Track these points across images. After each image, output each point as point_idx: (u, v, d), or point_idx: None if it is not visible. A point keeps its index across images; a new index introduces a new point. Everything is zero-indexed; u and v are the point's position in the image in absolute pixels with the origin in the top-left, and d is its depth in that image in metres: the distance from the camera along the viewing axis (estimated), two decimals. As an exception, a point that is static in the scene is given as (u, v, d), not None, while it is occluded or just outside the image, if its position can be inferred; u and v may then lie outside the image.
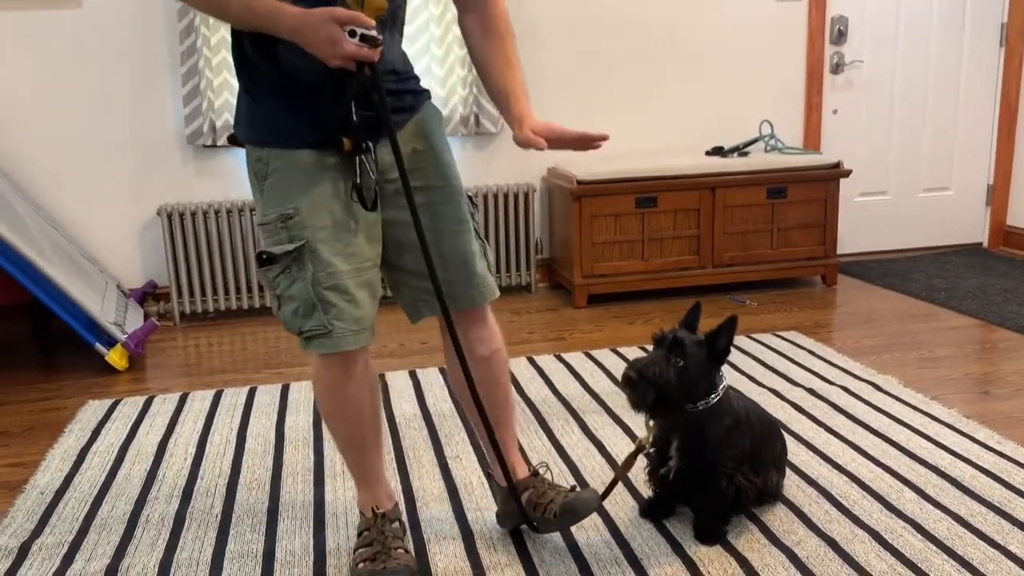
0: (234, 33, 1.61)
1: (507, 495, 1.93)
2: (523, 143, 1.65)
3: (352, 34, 1.42)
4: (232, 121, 3.70)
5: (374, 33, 1.44)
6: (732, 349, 1.86)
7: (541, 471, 1.95)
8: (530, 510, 1.85)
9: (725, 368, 3.01)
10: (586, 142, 1.65)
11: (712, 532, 1.91)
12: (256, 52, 1.59)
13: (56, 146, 3.69)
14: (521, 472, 1.92)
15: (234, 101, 3.70)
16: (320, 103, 1.59)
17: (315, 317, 1.63)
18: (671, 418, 1.87)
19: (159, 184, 3.81)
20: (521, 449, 2.07)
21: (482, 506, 2.11)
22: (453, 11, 3.86)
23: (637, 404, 1.80)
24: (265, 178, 1.63)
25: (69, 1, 3.58)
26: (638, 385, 1.77)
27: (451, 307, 1.76)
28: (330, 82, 1.57)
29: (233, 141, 1.73)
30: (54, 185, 3.72)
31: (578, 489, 1.85)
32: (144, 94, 3.72)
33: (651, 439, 1.91)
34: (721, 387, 1.87)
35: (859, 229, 4.68)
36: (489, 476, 2.02)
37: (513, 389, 2.04)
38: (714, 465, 1.87)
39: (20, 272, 3.03)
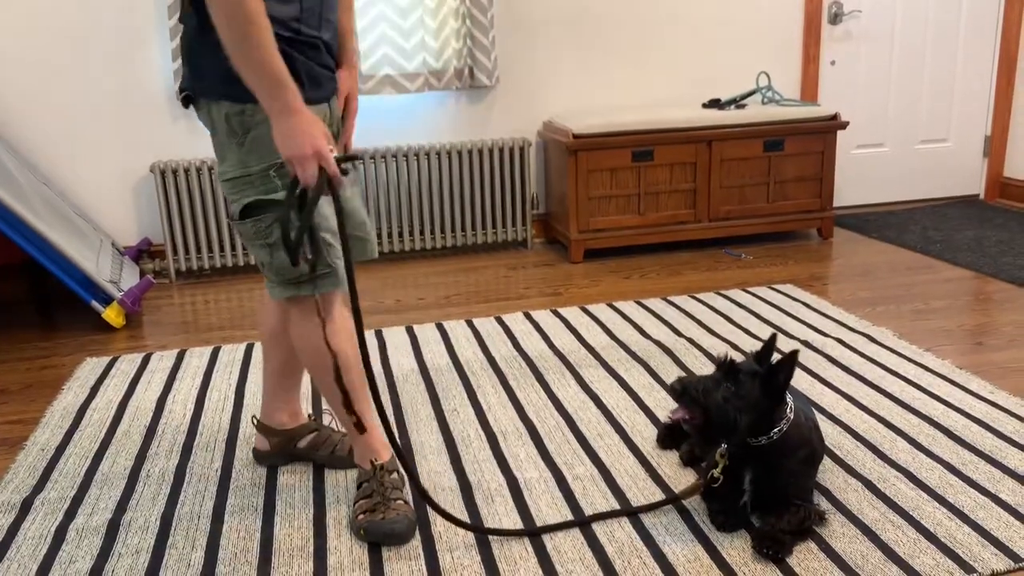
0: None
1: (286, 436, 2.10)
2: (339, 88, 1.84)
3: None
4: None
5: (350, 166, 1.61)
6: (778, 363, 1.72)
7: (326, 420, 2.21)
8: (314, 451, 2.10)
9: (719, 320, 3.02)
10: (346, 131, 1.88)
11: (776, 554, 1.71)
12: None
13: (47, 104, 3.65)
14: (303, 419, 2.13)
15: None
16: (305, 57, 1.62)
17: (319, 258, 1.67)
18: (714, 444, 1.78)
19: (151, 141, 3.78)
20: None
21: (479, 458, 2.13)
22: (446, -38, 3.80)
23: (685, 424, 1.74)
24: (247, 131, 1.62)
25: (54, -47, 3.51)
26: (681, 399, 1.72)
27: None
28: (316, 37, 1.62)
29: (190, 101, 1.68)
30: (47, 143, 3.69)
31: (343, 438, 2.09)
32: (133, 50, 3.67)
33: (719, 472, 1.79)
34: (784, 420, 1.75)
35: (856, 182, 4.67)
36: (259, 423, 2.12)
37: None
38: (790, 498, 1.77)
39: (14, 231, 3.02)
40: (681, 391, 1.73)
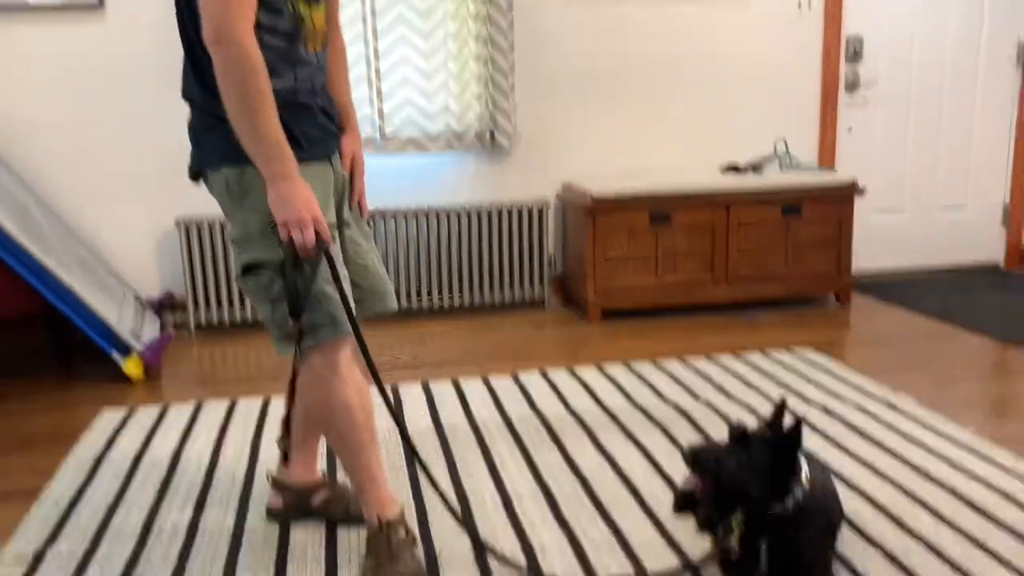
0: (195, 59, 1.67)
1: (299, 492, 2.11)
2: (343, 152, 1.93)
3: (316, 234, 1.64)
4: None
5: (326, 246, 1.66)
6: (788, 431, 1.71)
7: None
8: (327, 509, 2.09)
9: (737, 383, 3.00)
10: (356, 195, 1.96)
11: None
12: None
13: (77, 156, 3.74)
14: (318, 475, 2.15)
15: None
16: (301, 122, 1.71)
17: (316, 310, 1.70)
18: (728, 513, 1.75)
19: (177, 196, 3.84)
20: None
21: (494, 520, 2.11)
22: (470, 28, 3.89)
23: (698, 493, 1.73)
24: (247, 193, 1.68)
25: (92, 13, 3.63)
26: (693, 468, 1.71)
27: (366, 314, 1.96)
28: (301, 100, 1.72)
29: (196, 175, 1.76)
30: (75, 195, 3.76)
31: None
32: (164, 105, 3.76)
33: (736, 543, 1.75)
34: (799, 489, 1.72)
35: (874, 247, 4.67)
36: (274, 480, 2.12)
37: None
38: (808, 569, 1.74)
39: (39, 281, 3.06)
40: (693, 459, 1.72)
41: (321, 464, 2.44)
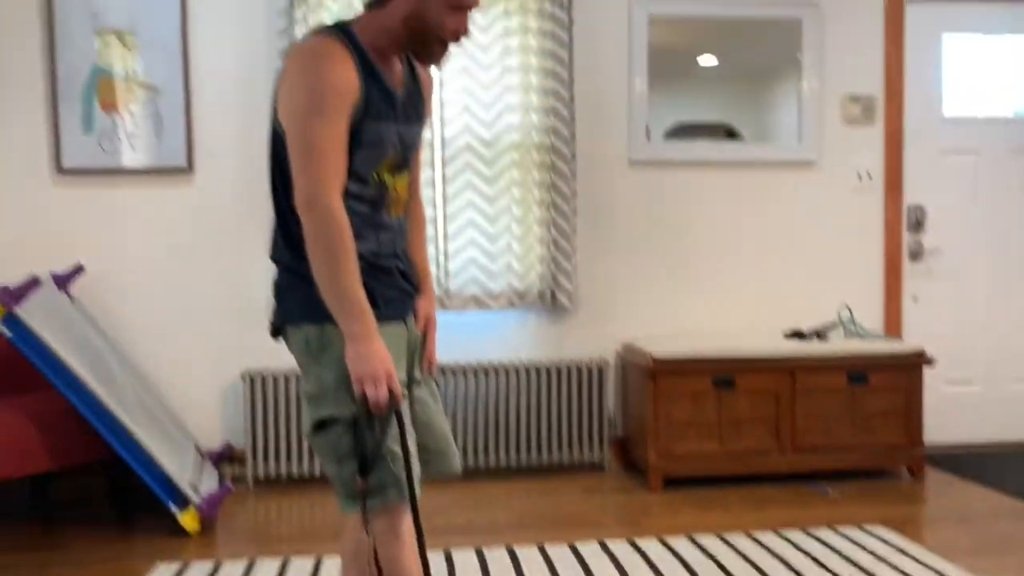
0: (285, 222, 1.76)
1: None
2: (417, 316, 1.96)
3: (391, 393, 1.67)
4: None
5: (398, 404, 1.68)
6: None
7: None
8: None
9: (808, 563, 2.85)
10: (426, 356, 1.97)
11: None
12: None
13: (155, 307, 3.89)
14: None
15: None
16: (380, 283, 1.77)
17: (384, 469, 1.70)
18: None
19: (245, 348, 3.95)
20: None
21: None
22: (534, 194, 4.04)
23: None
24: (325, 349, 1.72)
25: (182, 176, 3.87)
26: None
27: (431, 475, 1.93)
28: (383, 263, 1.79)
29: (276, 332, 1.82)
30: (149, 345, 3.89)
31: None
32: (239, 262, 3.93)
33: None
34: None
35: (947, 419, 4.51)
36: None
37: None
38: None
39: (107, 429, 3.13)
40: None
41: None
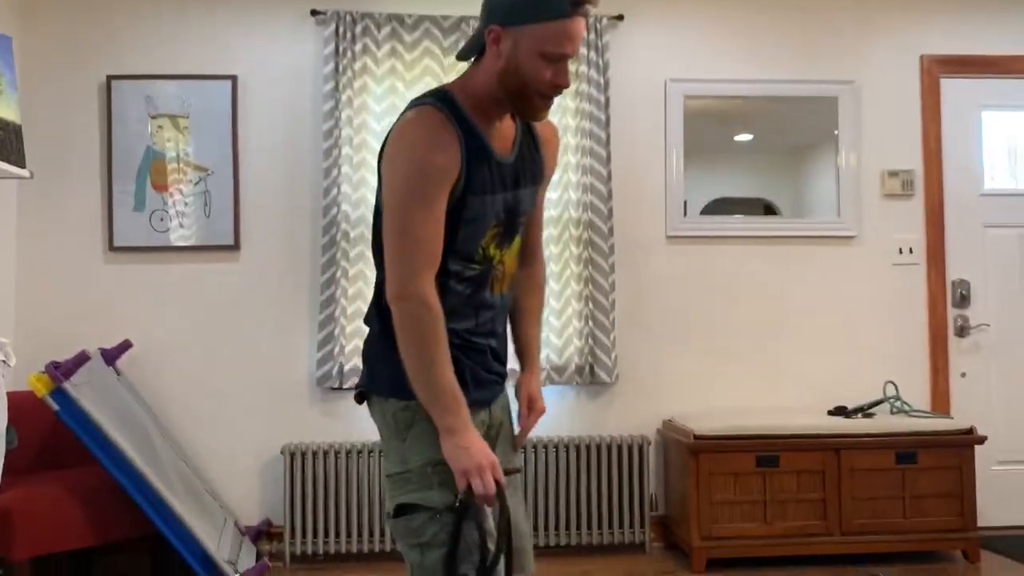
0: (380, 291, 1.69)
1: None
2: (518, 395, 1.91)
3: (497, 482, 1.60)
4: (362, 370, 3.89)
5: (501, 487, 1.61)
6: None
7: None
8: None
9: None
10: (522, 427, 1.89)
11: None
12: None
13: (198, 382, 3.94)
14: None
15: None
16: (473, 362, 1.70)
17: (472, 560, 1.61)
18: None
19: (287, 424, 3.97)
20: None
21: None
22: (572, 270, 4.06)
23: None
24: (410, 427, 1.65)
25: (229, 255, 3.97)
26: None
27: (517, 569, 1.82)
28: (487, 339, 1.73)
29: (360, 398, 1.76)
30: (190, 418, 3.93)
31: None
32: (283, 338, 3.98)
33: None
34: None
35: (1001, 500, 4.35)
36: None
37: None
38: None
39: (149, 505, 3.14)
40: None
41: None
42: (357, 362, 3.91)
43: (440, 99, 1.65)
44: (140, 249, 3.91)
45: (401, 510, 1.65)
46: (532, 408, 1.89)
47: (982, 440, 3.85)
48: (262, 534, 3.88)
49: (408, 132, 1.60)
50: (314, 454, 3.84)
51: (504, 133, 1.70)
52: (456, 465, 1.57)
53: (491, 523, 1.64)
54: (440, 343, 1.58)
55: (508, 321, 1.88)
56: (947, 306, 4.34)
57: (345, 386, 3.89)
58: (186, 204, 3.92)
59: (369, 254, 3.84)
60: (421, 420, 1.62)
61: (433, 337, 1.57)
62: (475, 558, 1.62)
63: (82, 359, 3.33)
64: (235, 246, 3.95)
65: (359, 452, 3.87)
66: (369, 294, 3.92)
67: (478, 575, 1.60)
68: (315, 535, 3.83)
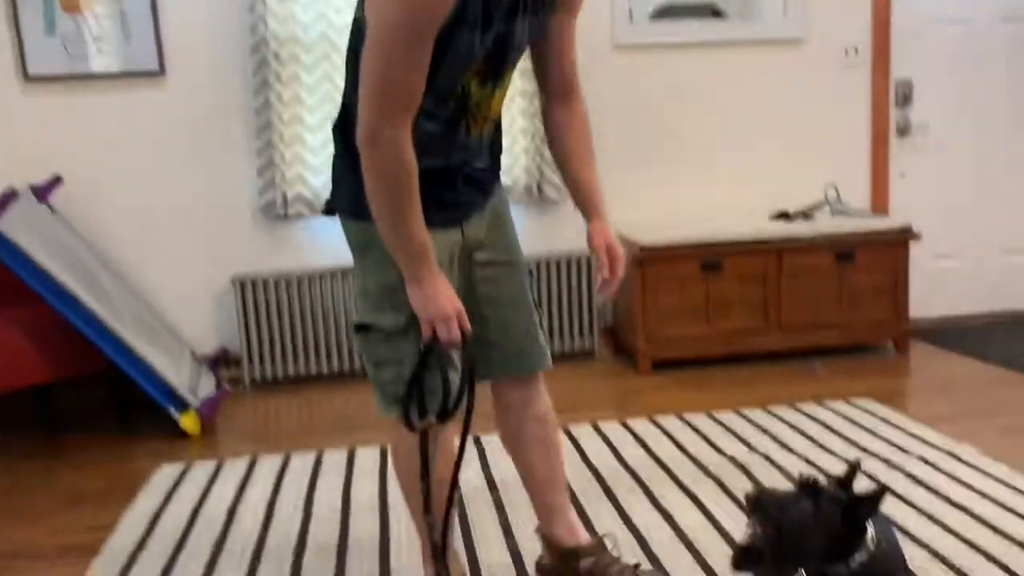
0: (349, 110, 1.60)
1: (564, 554, 1.94)
2: (594, 245, 1.80)
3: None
4: (317, 191, 3.82)
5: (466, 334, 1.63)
6: (867, 495, 1.65)
7: (608, 545, 1.96)
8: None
9: (794, 435, 2.94)
10: (608, 279, 1.80)
11: None
12: None
13: (137, 217, 3.86)
14: (583, 537, 1.95)
15: (305, 173, 3.84)
16: (436, 189, 1.63)
17: (435, 401, 1.66)
18: (785, 565, 1.67)
19: (233, 253, 3.94)
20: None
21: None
22: (518, 85, 3.96)
23: (755, 540, 1.66)
24: (367, 250, 1.65)
25: (155, 81, 3.78)
26: (754, 512, 1.65)
27: (514, 373, 1.86)
28: (448, 171, 1.65)
29: (329, 212, 1.76)
30: (134, 253, 3.88)
31: (642, 568, 1.87)
32: (220, 167, 3.88)
33: None
34: (863, 551, 1.64)
35: (932, 294, 4.56)
36: (540, 533, 2.01)
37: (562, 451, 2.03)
38: None
39: (102, 339, 3.15)
40: (755, 504, 1.66)
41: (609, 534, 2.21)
42: (300, 189, 3.84)
43: None
44: (59, 78, 3.70)
45: (360, 328, 1.70)
46: (611, 256, 1.78)
47: (917, 237, 3.98)
48: (219, 362, 3.94)
49: None
50: (264, 282, 3.84)
51: None
52: (422, 314, 1.59)
53: (457, 367, 1.67)
54: (410, 193, 1.51)
55: (559, 169, 1.82)
56: (890, 107, 4.36)
57: (290, 214, 3.84)
58: (101, 27, 3.68)
59: (304, 76, 3.77)
60: (377, 244, 1.60)
61: (402, 188, 1.50)
62: (438, 400, 1.67)
63: (10, 196, 3.22)
64: (160, 71, 3.76)
65: (310, 279, 3.88)
66: (308, 119, 3.82)
67: (439, 417, 1.66)
68: (272, 360, 3.91)
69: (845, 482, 1.69)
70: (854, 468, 1.70)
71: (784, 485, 2.50)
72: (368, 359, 1.72)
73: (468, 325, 1.62)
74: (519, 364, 1.86)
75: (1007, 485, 2.48)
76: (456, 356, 1.67)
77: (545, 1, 1.62)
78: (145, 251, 3.89)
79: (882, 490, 1.63)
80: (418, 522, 1.84)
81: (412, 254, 1.56)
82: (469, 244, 1.76)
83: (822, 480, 1.67)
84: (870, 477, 2.58)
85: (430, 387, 1.64)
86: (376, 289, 1.66)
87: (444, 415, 1.66)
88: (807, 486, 1.66)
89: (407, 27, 1.41)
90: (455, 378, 1.67)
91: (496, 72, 1.61)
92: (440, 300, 1.58)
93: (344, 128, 1.62)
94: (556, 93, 1.79)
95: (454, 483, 1.77)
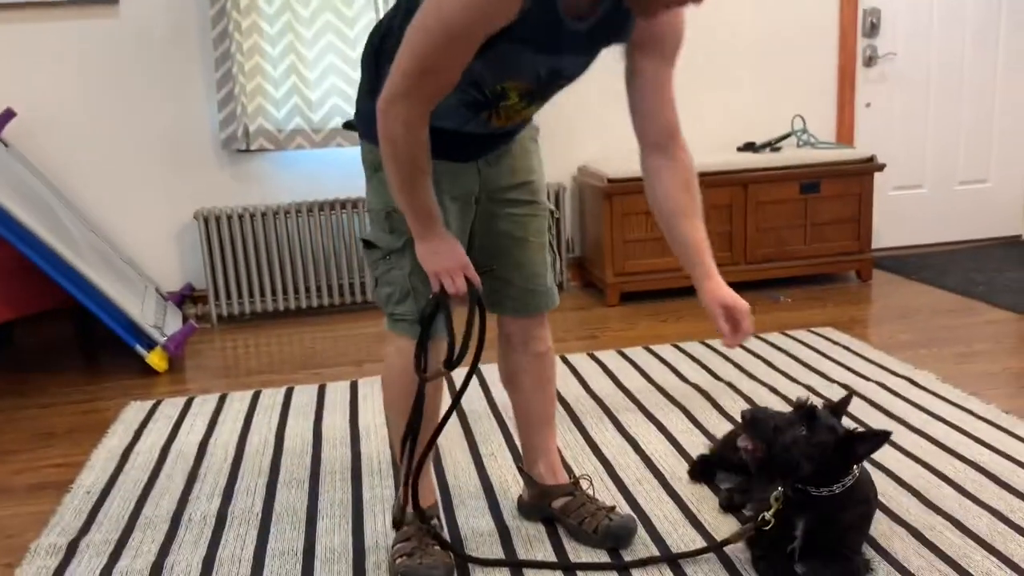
0: (373, 42, 1.64)
1: (540, 491, 1.99)
2: (709, 310, 1.66)
3: (470, 283, 1.64)
4: (250, 120, 3.75)
5: (478, 294, 1.65)
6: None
7: (584, 484, 2.03)
8: (564, 516, 1.97)
9: (758, 364, 3.00)
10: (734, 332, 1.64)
11: None
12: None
13: (96, 152, 3.77)
14: (561, 477, 2.01)
15: (267, 105, 3.76)
16: (447, 143, 1.64)
17: (407, 304, 1.74)
18: (770, 483, 1.75)
19: (195, 188, 3.87)
20: (561, 457, 2.08)
21: (517, 503, 2.12)
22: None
23: (746, 456, 1.72)
24: (376, 170, 1.70)
25: (107, 10, 3.65)
26: (749, 429, 1.70)
27: (520, 311, 1.90)
28: (458, 135, 1.66)
29: (349, 127, 1.83)
30: (94, 191, 3.80)
31: (617, 511, 1.94)
32: (179, 99, 3.78)
33: (771, 515, 1.73)
34: (850, 476, 1.70)
35: (895, 224, 4.63)
36: (521, 470, 2.07)
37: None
38: (843, 551, 1.73)
39: (63, 277, 3.10)
40: (751, 422, 1.70)
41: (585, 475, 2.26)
42: (263, 122, 3.76)
43: None
44: (6, 6, 3.56)
45: (366, 243, 1.78)
46: (733, 317, 1.62)
47: (881, 168, 4.01)
48: (186, 299, 3.91)
49: None
50: (228, 218, 3.79)
51: None
52: (428, 267, 1.64)
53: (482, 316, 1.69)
54: (418, 166, 1.53)
55: (660, 223, 1.70)
56: (857, 36, 4.34)
57: (252, 147, 3.77)
58: (48, -47, 3.53)
59: (263, 5, 3.66)
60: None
61: (410, 160, 1.51)
62: (411, 303, 1.73)
63: (-38, 131, 3.13)
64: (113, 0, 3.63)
65: (275, 213, 3.83)
66: (268, 50, 3.72)
67: (444, 365, 1.69)
68: (240, 296, 3.88)
69: (838, 409, 1.73)
70: (848, 397, 1.75)
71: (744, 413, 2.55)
72: (371, 273, 1.81)
73: (477, 278, 1.65)
74: (527, 304, 1.90)
75: (962, 409, 2.56)
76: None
77: (600, 40, 1.59)
78: (104, 186, 3.81)
79: (885, 434, 1.68)
80: (394, 445, 1.87)
81: (418, 217, 1.60)
82: (488, 182, 1.78)
83: (818, 404, 1.70)
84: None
85: (436, 332, 1.70)
86: (380, 210, 1.72)
87: (450, 365, 1.69)
88: (805, 411, 1.69)
89: (461, 26, 1.39)
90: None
91: (542, 95, 1.63)
92: (444, 255, 1.62)
93: (375, 57, 1.64)
94: (656, 145, 1.68)
95: (443, 422, 1.80)
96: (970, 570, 1.77)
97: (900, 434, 2.42)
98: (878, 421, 2.50)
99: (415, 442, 1.75)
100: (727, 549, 1.87)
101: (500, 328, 1.96)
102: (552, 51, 1.51)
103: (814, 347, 3.17)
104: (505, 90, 1.56)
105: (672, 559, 1.85)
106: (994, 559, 1.80)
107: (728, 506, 2.05)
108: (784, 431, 1.67)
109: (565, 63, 1.56)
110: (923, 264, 4.31)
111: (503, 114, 1.62)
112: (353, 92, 3.78)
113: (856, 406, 2.62)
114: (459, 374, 2.93)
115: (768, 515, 1.74)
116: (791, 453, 1.66)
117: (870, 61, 4.39)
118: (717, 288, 1.64)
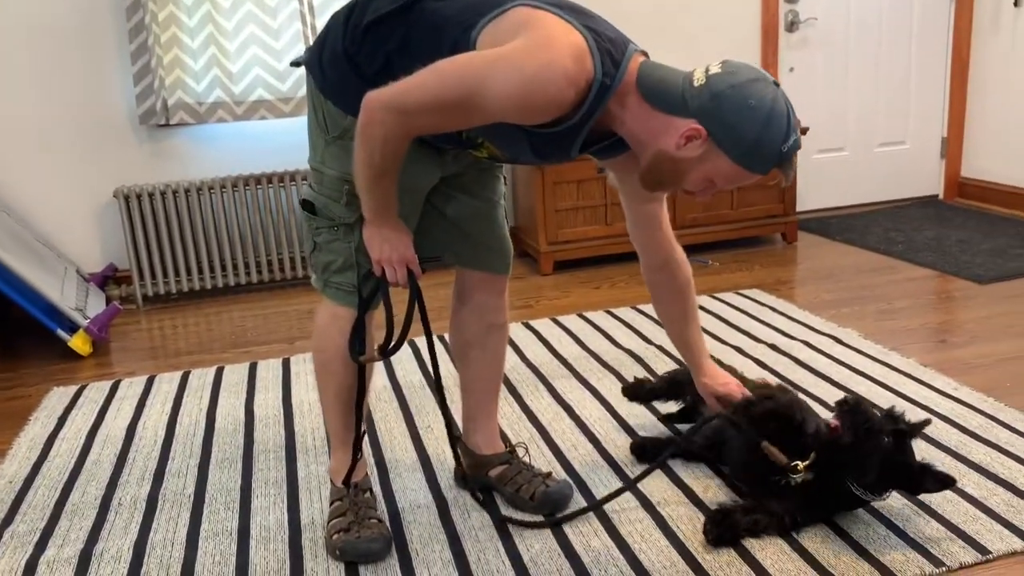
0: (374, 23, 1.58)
1: (477, 461, 2.00)
2: (705, 399, 2.02)
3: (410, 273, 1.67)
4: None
5: (416, 282, 1.69)
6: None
7: (520, 452, 2.05)
8: (500, 484, 1.99)
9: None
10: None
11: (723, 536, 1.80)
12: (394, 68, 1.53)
13: (7, 130, 3.61)
14: (497, 446, 2.04)
15: (185, 77, 3.64)
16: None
17: (347, 275, 1.73)
18: (796, 452, 1.80)
19: (114, 166, 3.75)
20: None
21: (455, 474, 2.13)
22: None
23: (827, 431, 1.79)
24: (339, 137, 1.65)
25: (10, -20, 3.49)
26: (845, 415, 1.76)
27: (481, 268, 1.93)
28: (428, 144, 1.68)
29: (299, 64, 1.77)
30: (6, 170, 3.64)
31: (553, 477, 1.98)
32: (93, 73, 3.64)
33: (801, 479, 1.79)
34: (888, 494, 1.81)
35: (818, 186, 4.74)
36: (457, 438, 2.07)
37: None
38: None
39: (-25, 261, 2.98)
40: (851, 408, 1.76)
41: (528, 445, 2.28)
42: (181, 95, 3.65)
43: (605, 73, 1.46)
44: (-100, -22, 3.37)
45: (308, 204, 1.72)
46: (726, 400, 1.95)
47: (804, 131, 4.09)
48: (108, 280, 3.79)
49: (540, 56, 1.37)
50: (150, 195, 3.68)
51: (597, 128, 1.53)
52: (372, 253, 1.64)
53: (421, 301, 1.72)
54: (388, 173, 1.52)
55: (663, 326, 1.99)
56: (779, 1, 4.40)
57: (172, 122, 3.66)
58: (-57, -81, 3.35)
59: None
60: (349, 136, 1.58)
61: (381, 164, 1.49)
62: (351, 275, 1.73)
63: None
64: (16, -30, 3.46)
65: (198, 189, 3.73)
66: (185, 20, 3.60)
67: (380, 352, 1.71)
68: (165, 275, 3.78)
69: (905, 432, 1.76)
70: (926, 421, 1.81)
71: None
72: (310, 236, 1.76)
73: (419, 270, 1.67)
74: (491, 260, 1.92)
75: (883, 364, 2.65)
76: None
77: (597, 154, 1.65)
78: (17, 165, 3.65)
79: (951, 481, 1.75)
80: (326, 411, 1.85)
81: (375, 208, 1.59)
82: (447, 170, 1.77)
83: (906, 420, 1.78)
84: (757, 362, 2.72)
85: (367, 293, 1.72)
86: (336, 177, 1.67)
87: (386, 353, 1.70)
88: (896, 424, 1.75)
89: (494, 110, 1.40)
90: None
91: (510, 163, 1.70)
92: (393, 243, 1.63)
93: (365, 42, 1.59)
94: (654, 264, 1.90)
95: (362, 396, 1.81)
96: (890, 517, 1.84)
97: (823, 389, 2.49)
98: (802, 378, 2.57)
99: (360, 417, 1.77)
100: (662, 511, 1.91)
101: (459, 297, 1.97)
102: (544, 156, 1.57)
103: (742, 309, 3.24)
104: (481, 145, 1.63)
105: (596, 506, 1.89)
106: (913, 505, 1.88)
107: (632, 396, 2.27)
108: (874, 436, 1.72)
109: (549, 160, 1.62)
110: (845, 225, 4.43)
111: (472, 155, 1.70)
112: (275, 63, 3.68)
113: (782, 364, 2.69)
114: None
115: (800, 475, 1.78)
116: (871, 458, 1.73)
117: (792, 26, 4.46)
118: (711, 382, 1.97)
